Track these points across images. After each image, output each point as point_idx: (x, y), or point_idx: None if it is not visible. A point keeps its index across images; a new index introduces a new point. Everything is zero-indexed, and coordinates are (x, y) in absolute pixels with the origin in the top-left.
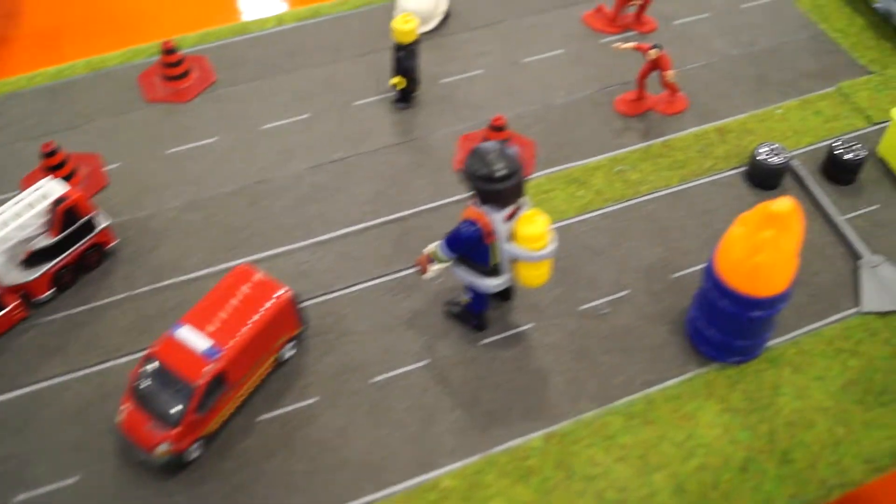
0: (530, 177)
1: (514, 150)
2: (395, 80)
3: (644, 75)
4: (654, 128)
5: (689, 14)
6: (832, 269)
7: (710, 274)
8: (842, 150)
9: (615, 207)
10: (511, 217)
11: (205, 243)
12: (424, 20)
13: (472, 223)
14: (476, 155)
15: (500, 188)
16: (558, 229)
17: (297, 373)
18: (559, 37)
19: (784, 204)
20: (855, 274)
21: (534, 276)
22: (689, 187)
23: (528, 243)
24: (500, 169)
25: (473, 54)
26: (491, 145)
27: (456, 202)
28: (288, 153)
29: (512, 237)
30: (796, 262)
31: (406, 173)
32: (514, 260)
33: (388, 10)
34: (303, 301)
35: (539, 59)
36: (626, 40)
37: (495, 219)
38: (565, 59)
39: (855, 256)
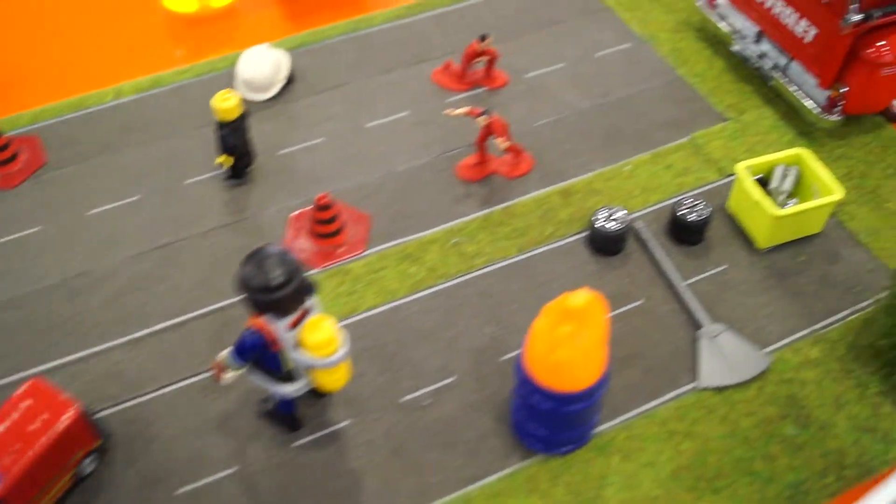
0: (362, 254)
1: (293, 254)
2: (221, 159)
3: (482, 139)
4: (497, 193)
5: (542, 65)
6: (672, 340)
7: (519, 369)
8: (685, 211)
9: (448, 284)
10: (297, 323)
11: (16, 347)
12: (264, 88)
13: (254, 332)
14: (252, 262)
15: (277, 297)
16: (387, 312)
17: (97, 488)
18: (407, 97)
19: (580, 298)
20: (694, 345)
21: (330, 381)
22: (528, 257)
23: (317, 351)
24: (276, 277)
25: (317, 120)
26: (270, 250)
27: None
28: (112, 241)
29: (300, 344)
30: (603, 354)
31: (233, 257)
32: (308, 366)
33: (231, 76)
34: (99, 411)
35: (383, 123)
36: (475, 97)
37: (278, 327)
38: (410, 121)
39: (695, 326)
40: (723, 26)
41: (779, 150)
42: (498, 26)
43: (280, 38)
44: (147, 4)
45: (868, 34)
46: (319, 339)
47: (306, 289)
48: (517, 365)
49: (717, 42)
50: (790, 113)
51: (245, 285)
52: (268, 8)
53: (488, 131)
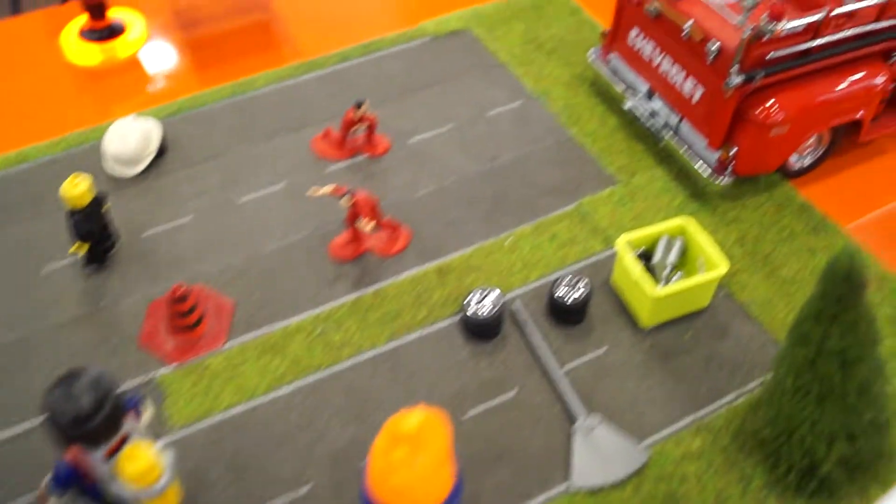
0: (222, 347)
1: (107, 377)
2: (74, 247)
3: (352, 218)
4: (370, 273)
5: (429, 128)
6: (546, 434)
7: (361, 491)
8: (563, 291)
9: (312, 379)
10: (114, 452)
11: None
12: (132, 162)
13: (66, 464)
14: (59, 388)
15: (87, 429)
16: (245, 413)
17: None
18: (284, 166)
19: (412, 422)
20: (569, 441)
21: None
22: (399, 345)
23: (136, 482)
24: (85, 406)
25: (187, 196)
26: (80, 375)
27: (137, 385)
28: None
29: (118, 475)
30: (447, 473)
31: (84, 354)
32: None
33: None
34: None
35: (258, 197)
36: (356, 166)
37: (92, 459)
38: (286, 193)
39: (570, 419)
40: (614, 82)
41: (669, 215)
42: (385, 86)
43: (185, 94)
44: (52, 58)
45: (755, 94)
46: (138, 470)
47: (121, 414)
48: (361, 485)
49: (610, 98)
50: (682, 174)
51: (50, 416)
52: (175, 58)
53: (356, 210)
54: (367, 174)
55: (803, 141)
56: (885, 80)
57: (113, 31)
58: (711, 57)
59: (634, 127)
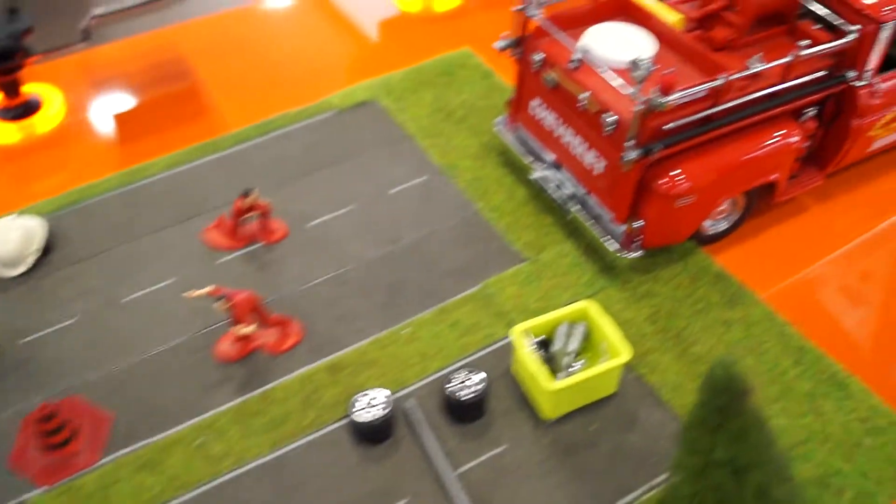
0: (96, 465)
1: None
2: None
3: (238, 319)
4: (258, 374)
5: (328, 210)
6: None
7: None
8: (456, 387)
9: (188, 496)
10: None
11: None
12: (13, 264)
13: None
14: None
15: None
16: None
17: None
18: (174, 260)
19: None
20: None
21: None
22: (284, 453)
23: None
24: None
25: (70, 297)
26: None
27: None
28: None
29: None
30: None
31: None
32: None
33: None
34: None
35: (144, 295)
36: (251, 255)
37: None
38: (174, 290)
39: None
40: (520, 153)
41: (577, 293)
42: (284, 167)
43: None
44: None
45: (659, 163)
46: None
47: None
48: None
49: (519, 168)
50: (592, 247)
51: None
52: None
53: (234, 313)
54: (261, 264)
55: (714, 208)
56: (799, 140)
57: (29, 109)
58: (608, 130)
59: (543, 199)
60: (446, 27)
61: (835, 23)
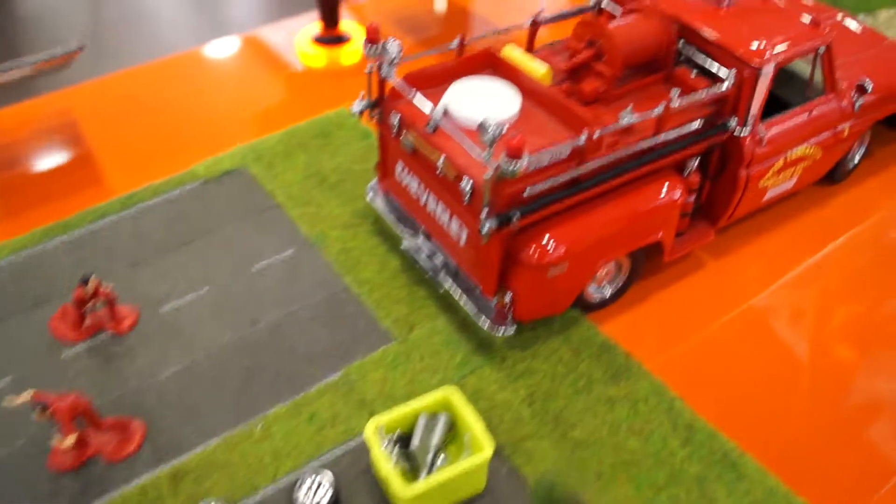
0: None
1: None
2: None
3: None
4: (94, 484)
5: (184, 292)
6: None
7: None
8: (304, 494)
9: None
10: None
11: None
12: None
13: None
14: None
15: None
16: None
17: None
18: (15, 356)
19: None
20: None
21: None
22: None
23: None
24: None
25: None
26: None
27: None
28: None
29: None
30: None
31: None
32: None
33: None
34: None
35: None
36: (99, 346)
37: None
38: (10, 391)
39: None
40: (390, 220)
41: (448, 375)
42: (141, 246)
43: None
44: None
45: (526, 231)
46: None
47: None
48: None
49: (392, 237)
50: (467, 323)
51: None
52: None
53: (63, 418)
54: (107, 356)
55: (593, 274)
56: (682, 195)
57: None
58: (467, 197)
59: (418, 269)
60: (347, 83)
61: (711, 69)
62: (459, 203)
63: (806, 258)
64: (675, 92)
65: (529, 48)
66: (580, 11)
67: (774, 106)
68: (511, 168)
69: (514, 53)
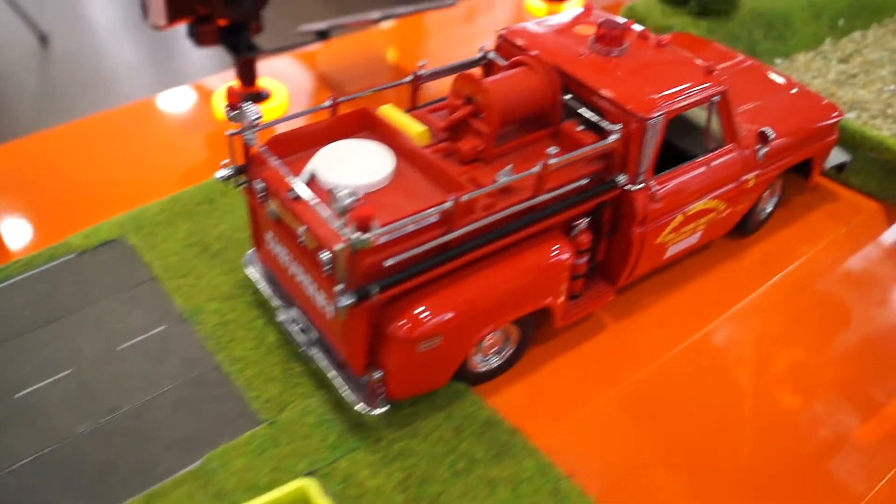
0: None
1: None
2: None
3: None
4: None
5: (44, 376)
6: None
7: None
8: None
9: None
10: None
11: None
12: None
13: None
14: None
15: None
16: None
17: None
18: None
19: None
20: None
21: None
22: None
23: None
24: None
25: None
26: None
27: None
28: None
29: None
30: None
31: None
32: None
33: None
34: None
35: None
36: None
37: None
38: None
39: None
40: (266, 292)
41: (319, 459)
42: (4, 325)
43: None
44: None
45: (395, 303)
46: None
47: None
48: None
49: (272, 308)
50: (343, 400)
51: None
52: None
53: None
54: None
55: (473, 345)
56: (570, 256)
57: None
58: (326, 269)
59: (292, 346)
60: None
61: (599, 123)
62: (322, 275)
63: (716, 315)
64: (552, 149)
65: (413, 104)
66: (467, 65)
67: (676, 158)
68: (360, 239)
69: (391, 112)
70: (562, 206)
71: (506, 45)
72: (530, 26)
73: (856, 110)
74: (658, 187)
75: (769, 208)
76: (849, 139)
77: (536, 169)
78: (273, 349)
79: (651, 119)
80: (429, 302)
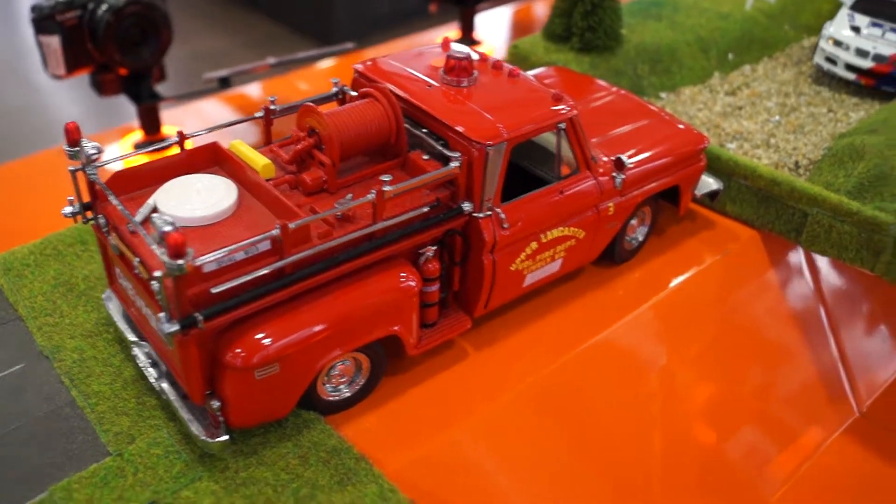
0: None
1: None
2: None
3: None
4: None
5: None
6: None
7: None
8: None
9: None
10: None
11: None
12: None
13: None
14: None
15: None
16: None
17: None
18: None
19: None
20: None
21: None
22: None
23: None
24: None
25: None
26: None
27: None
28: None
29: None
30: None
31: None
32: None
33: None
34: None
35: None
36: None
37: None
38: None
39: None
40: (122, 327)
41: (161, 489)
42: None
43: None
44: None
45: (231, 331)
46: None
47: None
48: None
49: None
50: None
51: None
52: None
53: None
54: None
55: (313, 374)
56: (417, 284)
57: None
58: (159, 298)
59: (146, 379)
60: None
61: (443, 151)
62: (152, 295)
63: (581, 342)
64: (386, 177)
65: (267, 139)
66: (321, 100)
67: (534, 185)
68: (175, 265)
69: (239, 147)
70: (404, 234)
71: (360, 78)
72: (387, 60)
73: (738, 140)
74: (506, 214)
75: (640, 237)
76: (723, 167)
77: (370, 197)
78: (129, 384)
79: (492, 146)
80: (265, 329)
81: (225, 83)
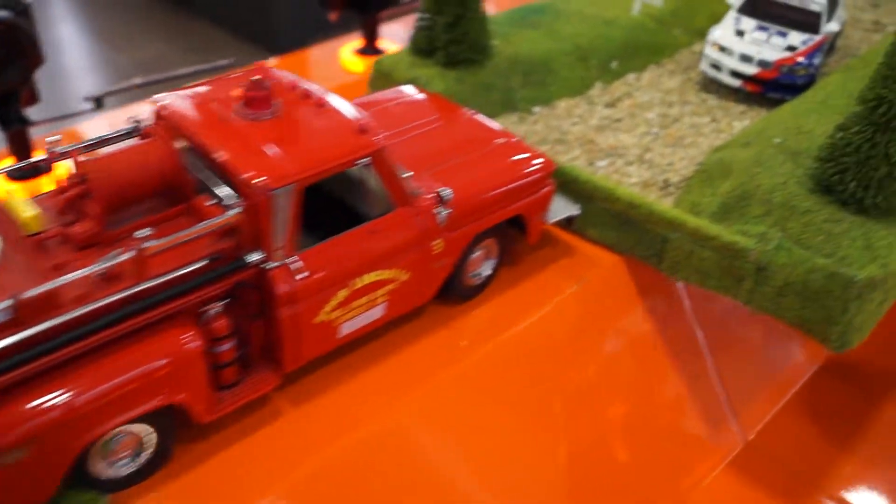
0: None
1: None
2: None
3: None
4: None
5: None
6: None
7: None
8: None
9: None
10: None
11: None
12: None
13: None
14: None
15: None
16: None
17: None
18: None
19: None
20: None
21: None
22: None
23: None
24: None
25: None
26: None
27: None
28: None
29: None
30: None
31: None
32: None
33: None
34: None
35: None
36: None
37: None
38: None
39: None
40: None
41: None
42: None
43: None
44: None
45: None
46: None
47: None
48: None
49: None
50: None
51: None
52: None
53: None
54: None
55: (76, 454)
56: (200, 345)
57: None
58: None
59: None
60: None
61: (223, 197)
62: None
63: (419, 387)
64: (145, 231)
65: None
66: (115, 138)
67: (355, 222)
68: None
69: (10, 198)
70: (179, 292)
71: (156, 115)
72: (186, 93)
73: (611, 157)
74: (304, 262)
75: (486, 271)
76: (581, 189)
77: (129, 255)
78: None
79: (277, 190)
80: (7, 410)
81: (98, 104)
